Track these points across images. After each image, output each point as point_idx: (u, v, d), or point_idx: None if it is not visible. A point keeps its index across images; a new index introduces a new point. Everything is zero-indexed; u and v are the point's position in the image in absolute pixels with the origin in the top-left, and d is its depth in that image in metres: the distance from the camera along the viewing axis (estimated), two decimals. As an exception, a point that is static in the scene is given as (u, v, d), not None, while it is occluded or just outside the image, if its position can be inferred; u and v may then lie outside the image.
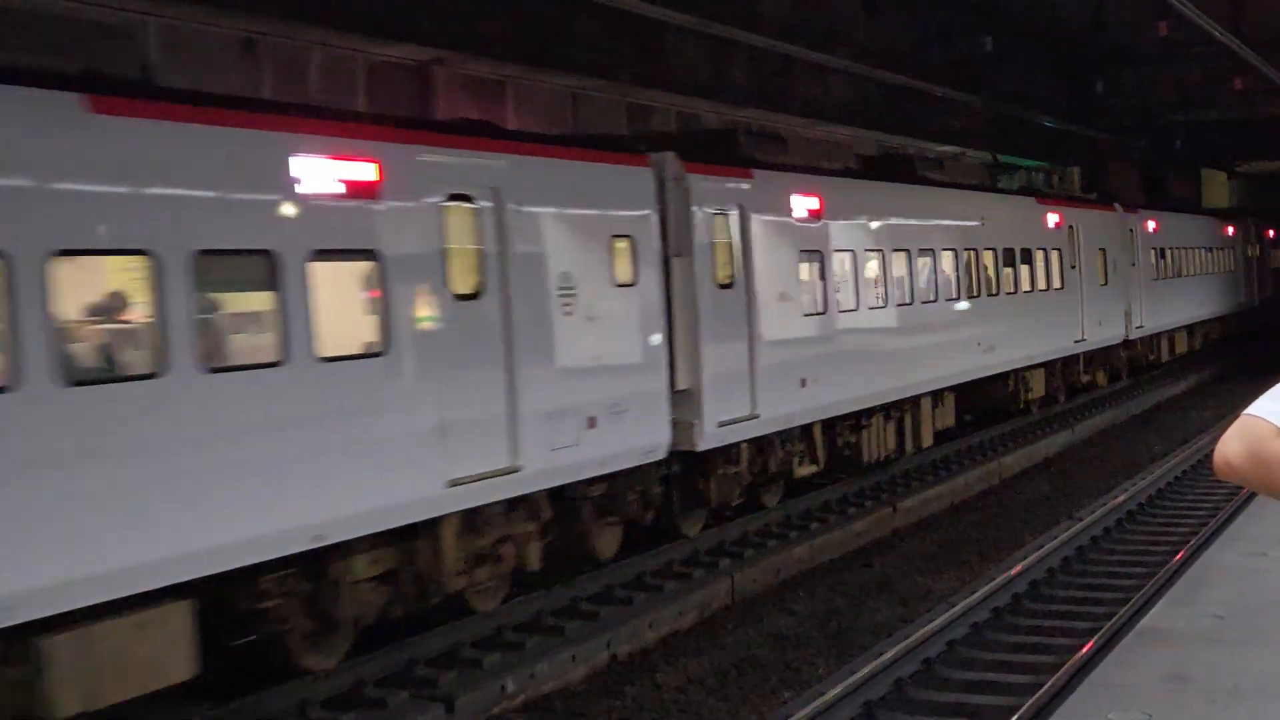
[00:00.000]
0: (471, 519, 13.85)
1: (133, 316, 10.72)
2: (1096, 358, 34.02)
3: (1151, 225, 38.05)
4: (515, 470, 14.01)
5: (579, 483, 15.46)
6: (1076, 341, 31.58)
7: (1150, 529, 20.32)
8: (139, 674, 10.32)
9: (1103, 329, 33.13)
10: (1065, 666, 12.85)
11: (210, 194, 11.21)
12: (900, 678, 13.06)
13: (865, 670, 12.98)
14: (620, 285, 15.93)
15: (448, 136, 14.28)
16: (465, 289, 13.54)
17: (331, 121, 12.81)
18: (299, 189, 11.92)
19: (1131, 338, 35.91)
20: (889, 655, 13.40)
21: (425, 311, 13.05)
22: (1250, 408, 3.82)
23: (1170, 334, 41.14)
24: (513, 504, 14.41)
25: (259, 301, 11.66)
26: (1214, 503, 21.73)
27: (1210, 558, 14.64)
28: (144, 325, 10.61)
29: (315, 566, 12.22)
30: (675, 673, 14.55)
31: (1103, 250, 33.15)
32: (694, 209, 17.26)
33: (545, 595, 15.61)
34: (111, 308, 10.76)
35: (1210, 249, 45.79)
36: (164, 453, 10.49)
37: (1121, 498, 21.73)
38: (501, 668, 13.69)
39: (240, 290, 11.86)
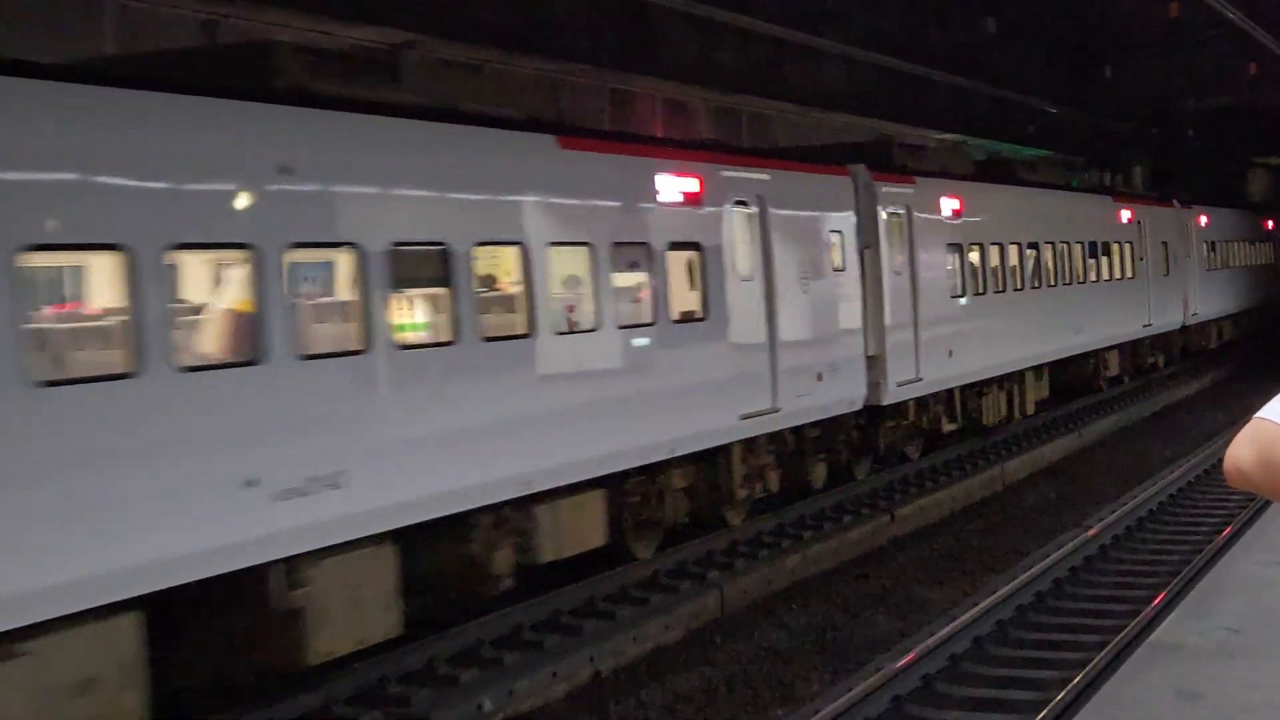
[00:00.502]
0: (749, 445, 19.20)
1: (581, 290, 16.03)
2: (1159, 341, 39.04)
3: (1204, 220, 43.12)
4: (776, 410, 19.33)
5: (807, 424, 20.70)
6: (1144, 326, 36.82)
7: (1161, 537, 20.37)
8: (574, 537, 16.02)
9: (1165, 315, 38.27)
10: (1072, 683, 12.87)
11: (618, 203, 16.98)
12: (899, 695, 13.07)
13: (862, 687, 12.98)
14: (835, 271, 21.26)
15: (737, 157, 20.10)
16: (744, 273, 18.75)
17: (674, 149, 18.82)
18: (659, 199, 17.42)
19: (1188, 324, 40.99)
20: (887, 671, 13.40)
21: (725, 288, 18.36)
22: (1261, 411, 3.80)
23: (1220, 321, 45.58)
24: (771, 437, 19.75)
25: (641, 279, 17.01)
26: (1228, 510, 21.78)
27: (1224, 568, 14.65)
28: (588, 295, 16.01)
29: (653, 476, 17.42)
30: (662, 690, 14.54)
31: (1165, 243, 38.12)
32: (879, 210, 22.54)
33: (524, 608, 15.59)
34: (574, 283, 16.05)
35: (1253, 242, 50.34)
36: (624, 380, 16.68)
37: (1131, 504, 21.77)
38: (479, 685, 13.66)
39: (634, 271, 17.02)
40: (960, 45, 36.11)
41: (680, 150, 18.84)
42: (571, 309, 15.92)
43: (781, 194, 19.72)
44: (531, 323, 14.89)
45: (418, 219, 13.85)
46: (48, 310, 11.22)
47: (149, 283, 10.78)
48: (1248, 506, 21.06)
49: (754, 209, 19.06)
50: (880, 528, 21.51)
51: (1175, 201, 40.30)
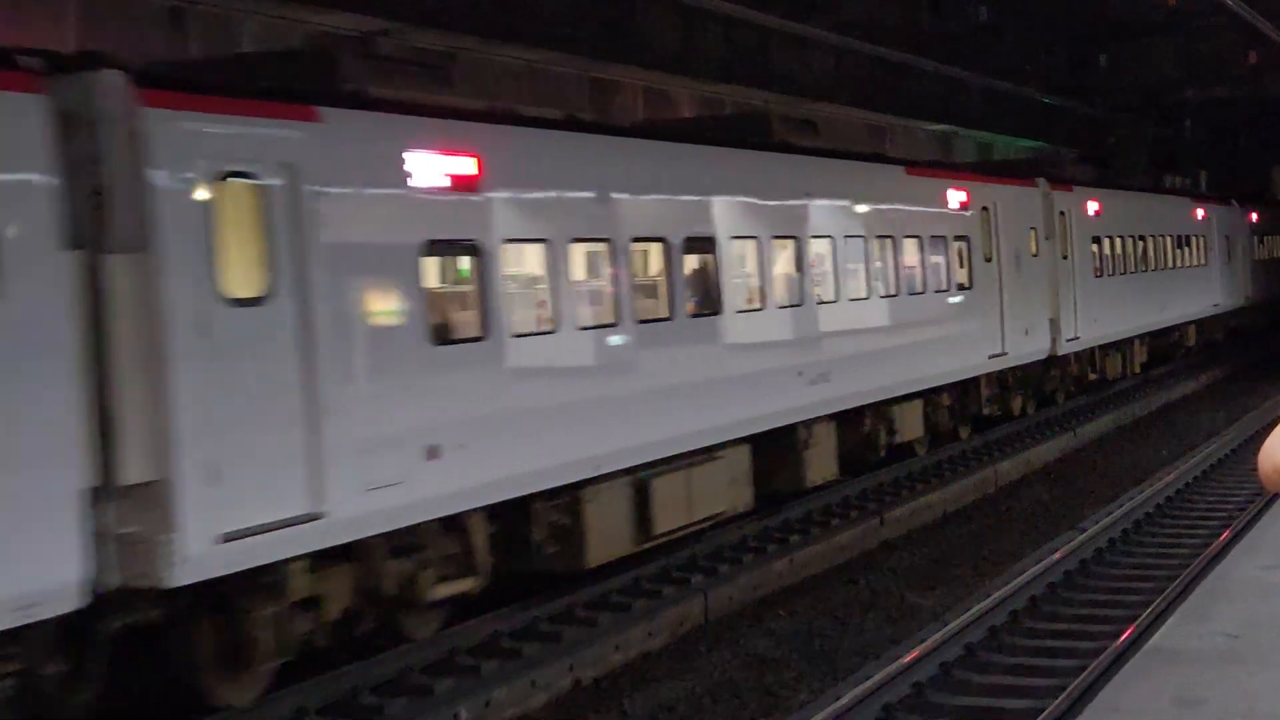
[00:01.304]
0: (986, 380, 28.31)
1: (916, 266, 24.65)
2: (1223, 319, 47.04)
3: (1254, 216, 51.41)
4: (1005, 354, 27.99)
5: (1016, 366, 29.13)
6: (1214, 305, 45.35)
7: (1159, 540, 20.41)
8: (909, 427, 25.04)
9: (1230, 297, 46.76)
10: (1068, 689, 12.90)
11: (932, 209, 25.43)
12: (889, 703, 13.07)
13: (850, 695, 13.00)
14: (1032, 256, 29.73)
15: (982, 176, 28.53)
16: (986, 256, 27.30)
17: (951, 173, 28.00)
18: (948, 207, 26.23)
19: (1244, 305, 49.12)
20: (876, 679, 13.42)
21: (976, 268, 26.91)
22: None
23: (1266, 303, 52.89)
24: (999, 374, 29.03)
25: (941, 259, 25.60)
26: (1228, 511, 21.84)
27: (1224, 571, 14.69)
28: (920, 269, 24.69)
29: (933, 399, 26.03)
30: (644, 699, 14.54)
31: (1227, 236, 46.74)
32: (1055, 210, 31.14)
33: (501, 615, 15.59)
34: (913, 260, 24.52)
35: None
36: (938, 326, 25.34)
37: (1127, 506, 21.81)
38: (454, 695, 13.65)
39: (937, 254, 25.46)
40: (952, 34, 36.18)
41: (955, 173, 28.20)
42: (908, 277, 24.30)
43: (1004, 201, 28.24)
44: (896, 286, 23.82)
45: (851, 220, 22.53)
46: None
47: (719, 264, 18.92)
48: (1247, 509, 21.14)
49: (990, 211, 27.50)
50: (870, 531, 21.53)
51: (1234, 201, 48.87)
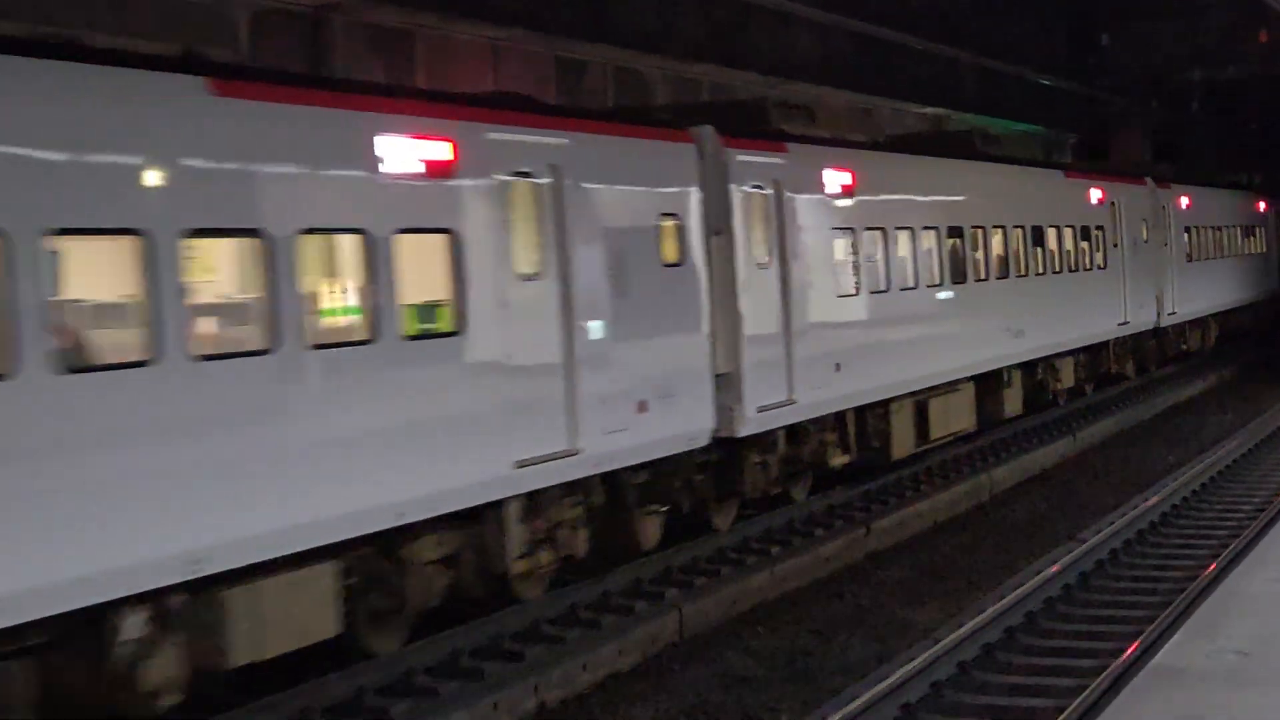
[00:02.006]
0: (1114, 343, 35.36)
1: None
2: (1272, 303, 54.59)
3: None
4: (1127, 323, 35.41)
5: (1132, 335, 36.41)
6: (1275, 289, 54.58)
7: (1164, 552, 20.44)
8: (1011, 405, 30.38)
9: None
10: (1067, 711, 12.89)
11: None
12: (876, 726, 13.07)
13: (836, 718, 12.97)
14: (1144, 242, 37.07)
15: (1108, 176, 35.12)
16: (1114, 243, 34.64)
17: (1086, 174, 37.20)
18: (1091, 203, 35.00)
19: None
20: (862, 700, 13.40)
21: (1109, 253, 34.47)
22: None
23: None
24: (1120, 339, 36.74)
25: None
26: (1237, 521, 21.89)
27: (1232, 585, 14.72)
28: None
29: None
30: (614, 722, 14.53)
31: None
32: (1159, 204, 38.35)
33: (462, 632, 15.55)
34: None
35: None
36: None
37: (1130, 515, 21.85)
38: (412, 717, 13.60)
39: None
40: (944, 10, 36.21)
41: (1092, 175, 35.27)
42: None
43: (1124, 197, 36.04)
44: (1061, 264, 32.21)
45: (1036, 213, 29.80)
46: None
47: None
48: (1258, 518, 21.18)
49: (1116, 205, 35.16)
50: (856, 542, 21.53)
51: None
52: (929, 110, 38.19)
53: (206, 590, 12.20)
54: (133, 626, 11.72)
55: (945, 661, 14.71)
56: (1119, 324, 35.82)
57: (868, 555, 21.48)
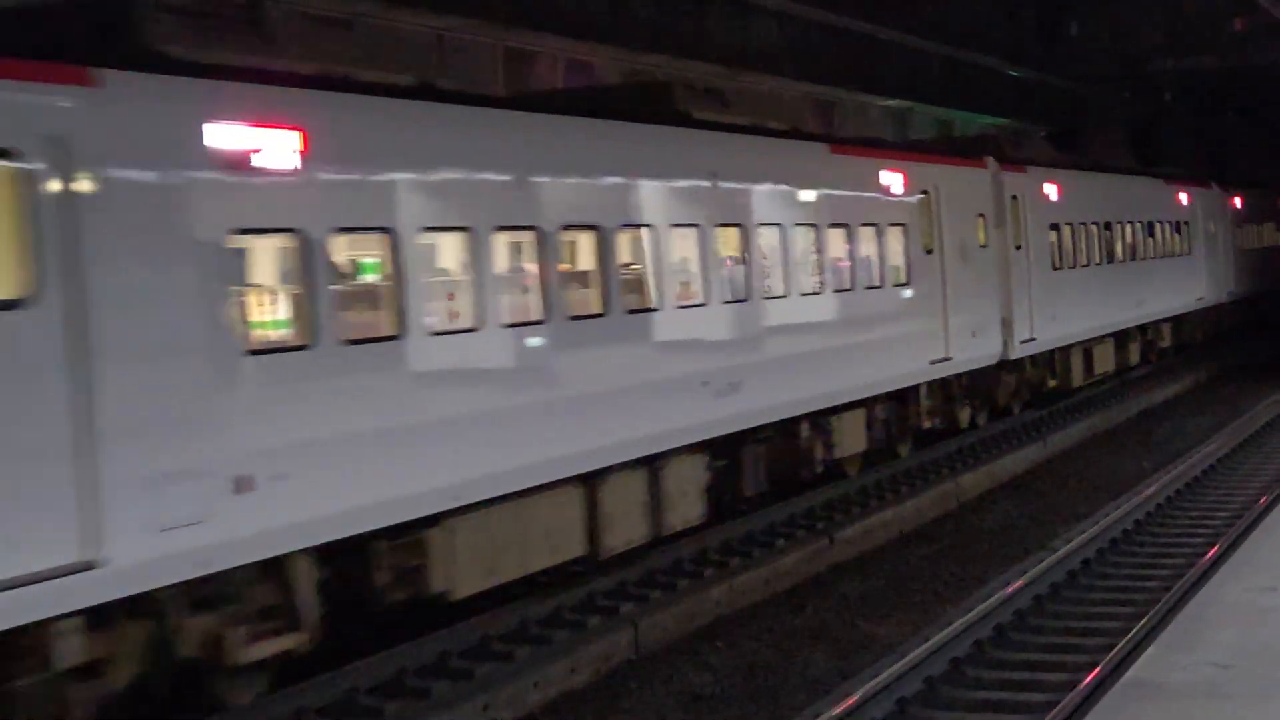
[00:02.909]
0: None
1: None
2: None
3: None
4: (949, 359, 28.68)
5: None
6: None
7: (1138, 561, 20.52)
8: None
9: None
10: (1038, 728, 12.92)
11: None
12: (840, 745, 13.08)
13: (797, 736, 12.98)
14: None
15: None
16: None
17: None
18: (1185, 207, 47.20)
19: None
20: (826, 717, 13.40)
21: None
22: None
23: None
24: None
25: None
26: (1214, 528, 21.99)
27: (1210, 594, 14.78)
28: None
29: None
30: (567, 743, 14.51)
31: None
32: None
33: (408, 649, 15.50)
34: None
35: None
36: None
37: (1104, 523, 21.92)
38: (353, 740, 13.57)
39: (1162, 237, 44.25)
40: (909, -2, 36.29)
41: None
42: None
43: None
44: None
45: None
46: None
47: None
48: (1235, 524, 21.28)
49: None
50: (818, 553, 21.55)
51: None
52: (894, 103, 38.27)
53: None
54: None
55: (911, 677, 14.74)
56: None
57: (830, 567, 21.51)
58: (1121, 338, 39.22)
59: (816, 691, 15.32)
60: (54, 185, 11.51)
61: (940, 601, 19.30)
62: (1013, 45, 41.92)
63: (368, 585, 14.80)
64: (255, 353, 13.28)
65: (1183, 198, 46.09)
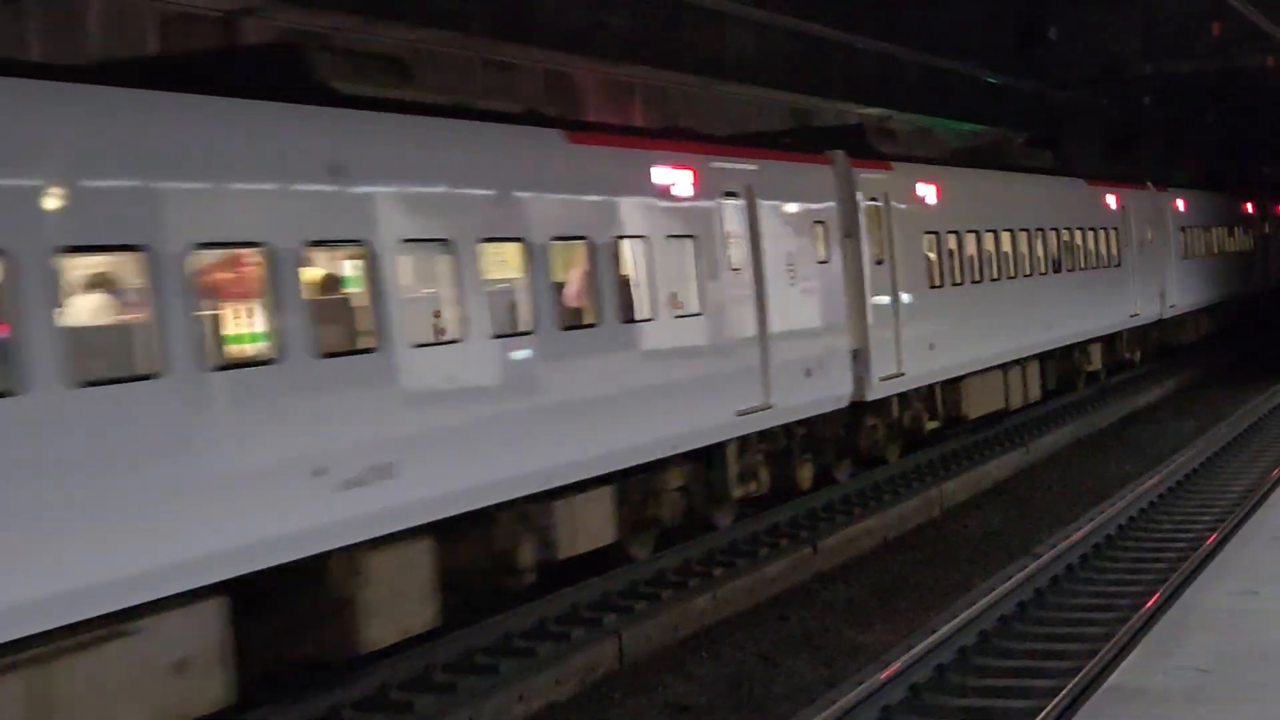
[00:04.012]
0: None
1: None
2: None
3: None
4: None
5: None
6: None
7: (1121, 566, 20.60)
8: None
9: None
10: (1022, 734, 12.98)
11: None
12: (825, 753, 13.12)
13: (782, 745, 13.02)
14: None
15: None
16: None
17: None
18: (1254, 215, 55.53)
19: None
20: (811, 726, 13.45)
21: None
22: None
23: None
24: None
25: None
26: (1196, 533, 22.06)
27: (1192, 599, 14.85)
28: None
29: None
30: (552, 755, 14.54)
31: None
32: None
33: (391, 664, 15.51)
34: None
35: None
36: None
37: (1087, 529, 21.98)
38: (338, 754, 13.57)
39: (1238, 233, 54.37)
40: (886, 4, 36.37)
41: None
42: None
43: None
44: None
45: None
46: None
47: None
48: (1218, 529, 21.36)
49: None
50: (802, 562, 21.60)
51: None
52: (871, 111, 38.35)
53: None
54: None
55: (897, 684, 14.78)
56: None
57: (815, 575, 21.55)
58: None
59: (802, 700, 15.34)
60: None
61: (924, 608, 19.35)
62: (991, 51, 42.03)
63: None
64: None
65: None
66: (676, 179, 20.27)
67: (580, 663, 16.63)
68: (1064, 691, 14.06)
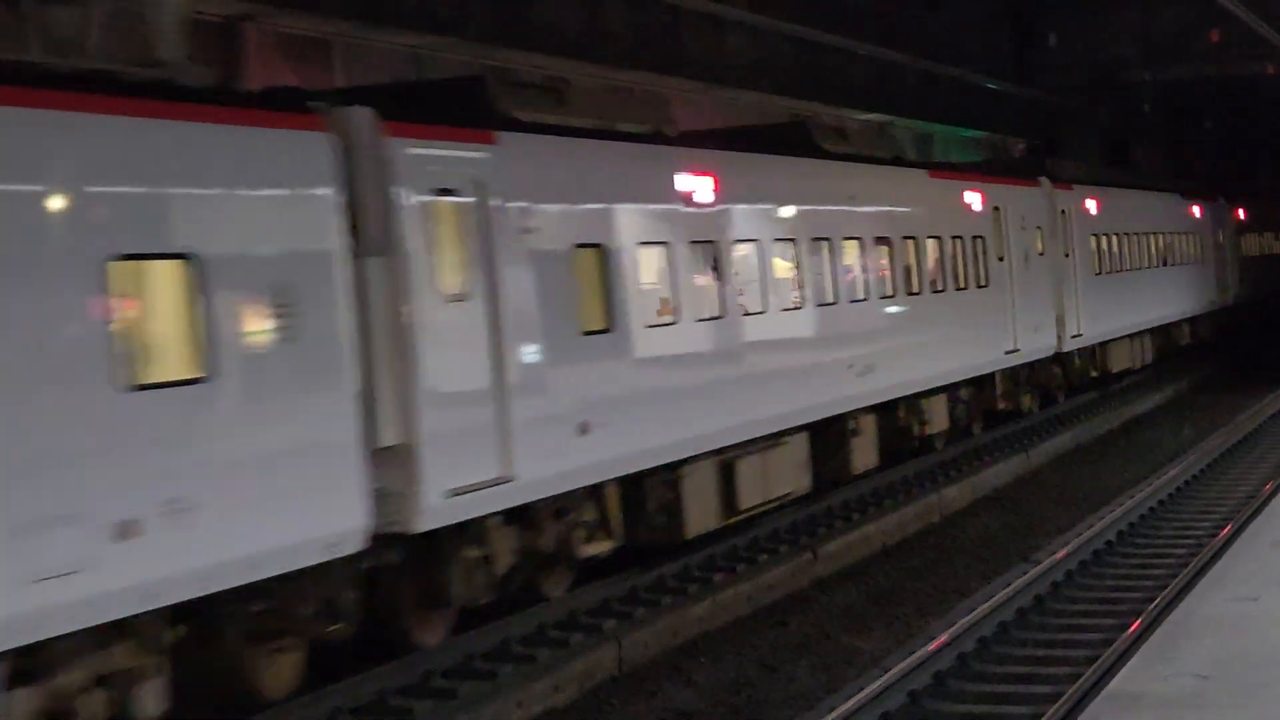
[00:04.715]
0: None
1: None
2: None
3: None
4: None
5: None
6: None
7: (1120, 572, 20.61)
8: None
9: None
10: (1021, 741, 12.99)
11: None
12: (824, 759, 13.13)
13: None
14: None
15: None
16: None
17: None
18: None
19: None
20: (810, 732, 13.46)
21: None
22: None
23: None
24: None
25: None
26: (1195, 539, 22.08)
27: (1191, 605, 14.87)
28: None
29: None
30: (551, 761, 14.55)
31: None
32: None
33: (388, 670, 15.53)
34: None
35: None
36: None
37: (1086, 535, 22.00)
38: (337, 761, 13.54)
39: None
40: (884, 11, 36.42)
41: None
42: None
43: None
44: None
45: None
46: None
47: None
48: (1217, 536, 21.38)
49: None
50: (801, 568, 21.61)
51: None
52: (870, 116, 38.38)
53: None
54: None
55: (896, 691, 14.79)
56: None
57: (814, 581, 21.56)
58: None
59: (800, 706, 15.38)
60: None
61: (924, 615, 19.36)
62: (989, 58, 42.08)
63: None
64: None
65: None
66: (974, 200, 30.75)
67: (579, 669, 16.63)
68: (1063, 698, 14.07)
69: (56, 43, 12.90)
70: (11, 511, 10.94)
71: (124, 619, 11.97)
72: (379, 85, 19.98)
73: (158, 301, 12.69)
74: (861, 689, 14.69)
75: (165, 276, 12.64)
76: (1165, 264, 45.49)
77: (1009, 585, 18.97)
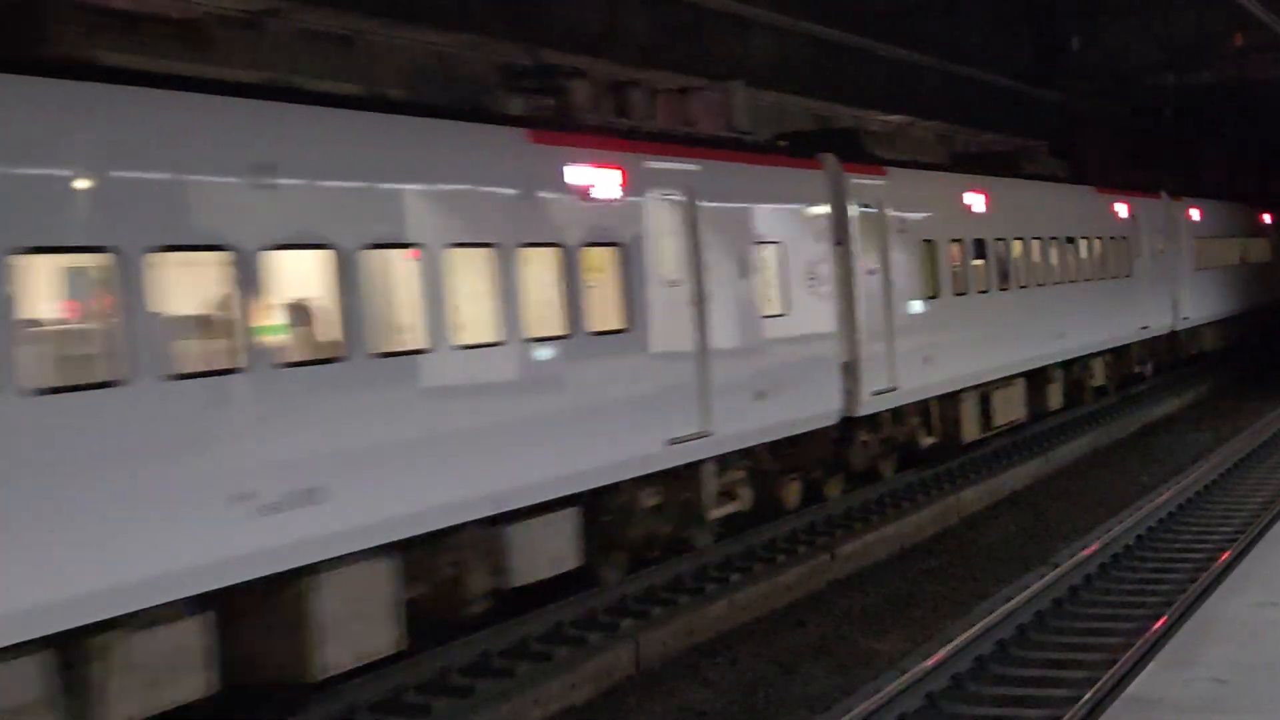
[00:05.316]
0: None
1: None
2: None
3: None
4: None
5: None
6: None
7: (1139, 576, 20.57)
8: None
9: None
10: (1039, 744, 12.97)
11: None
12: (841, 761, 13.13)
13: (798, 752, 13.03)
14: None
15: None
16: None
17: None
18: None
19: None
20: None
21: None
22: None
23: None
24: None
25: None
26: (1215, 543, 22.04)
27: (1211, 610, 14.84)
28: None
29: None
30: (567, 759, 14.55)
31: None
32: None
33: (407, 667, 15.54)
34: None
35: None
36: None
37: (1105, 539, 21.98)
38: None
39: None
40: (907, 13, 36.39)
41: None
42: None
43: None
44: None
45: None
46: None
47: None
48: (1237, 541, 21.34)
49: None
50: (819, 569, 21.60)
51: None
52: (892, 118, 38.36)
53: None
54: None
55: (913, 693, 14.79)
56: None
57: (831, 582, 21.56)
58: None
59: (817, 708, 15.37)
60: None
61: (941, 617, 19.35)
62: (1011, 60, 42.02)
63: None
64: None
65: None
66: (1122, 209, 35.54)
67: (596, 667, 16.65)
68: (1081, 701, 14.07)
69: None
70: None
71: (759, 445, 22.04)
72: (797, 132, 29.31)
73: (770, 272, 22.28)
74: (879, 691, 14.68)
75: (767, 259, 22.16)
76: (1252, 262, 56.84)
77: (1028, 588, 18.95)
